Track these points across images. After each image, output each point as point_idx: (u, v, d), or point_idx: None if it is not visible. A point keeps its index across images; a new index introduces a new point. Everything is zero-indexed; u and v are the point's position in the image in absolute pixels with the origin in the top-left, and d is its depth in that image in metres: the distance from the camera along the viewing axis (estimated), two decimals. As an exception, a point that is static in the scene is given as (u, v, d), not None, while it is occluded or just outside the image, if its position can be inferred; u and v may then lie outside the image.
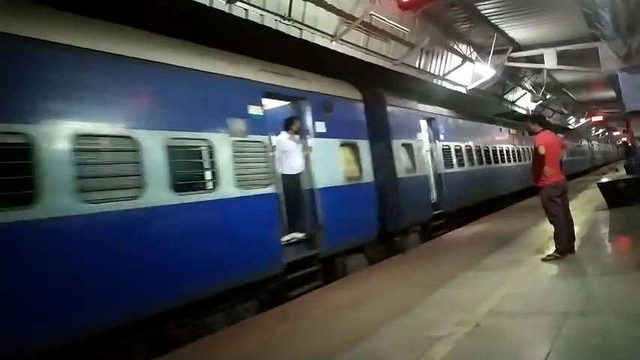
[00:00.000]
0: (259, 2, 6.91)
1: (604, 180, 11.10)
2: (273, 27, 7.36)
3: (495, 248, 6.63)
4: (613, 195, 9.49)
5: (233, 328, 4.46)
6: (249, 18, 6.93)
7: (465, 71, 13.67)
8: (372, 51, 9.84)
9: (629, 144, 15.55)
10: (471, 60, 13.25)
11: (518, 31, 12.51)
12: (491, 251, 6.45)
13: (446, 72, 12.94)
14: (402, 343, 3.45)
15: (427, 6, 9.12)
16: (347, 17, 8.48)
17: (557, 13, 11.06)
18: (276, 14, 7.23)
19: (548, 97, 19.34)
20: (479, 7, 10.54)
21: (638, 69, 11.94)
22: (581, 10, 10.76)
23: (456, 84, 13.73)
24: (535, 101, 19.50)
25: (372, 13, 8.64)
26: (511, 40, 13.18)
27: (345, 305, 4.72)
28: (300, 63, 7.10)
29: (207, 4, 6.33)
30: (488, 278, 5.00)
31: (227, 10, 6.58)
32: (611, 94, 20.29)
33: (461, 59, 13.07)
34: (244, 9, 6.80)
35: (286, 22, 7.47)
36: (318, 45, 8.39)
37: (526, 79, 17.53)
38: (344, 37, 8.75)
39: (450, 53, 12.66)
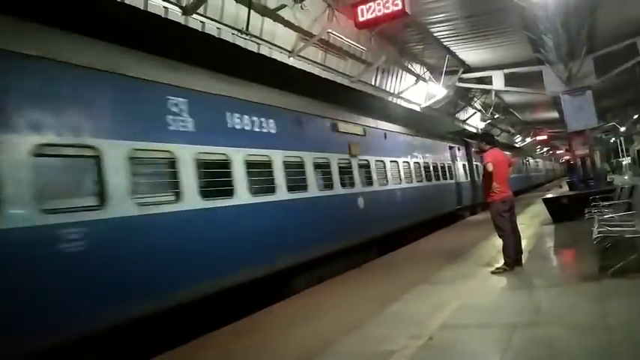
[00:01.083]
0: (216, 15, 6.87)
1: (549, 196, 11.66)
2: (230, 40, 7.33)
3: (448, 262, 6.77)
4: (557, 210, 9.97)
5: (186, 347, 4.29)
6: (206, 31, 6.89)
7: (419, 90, 14.09)
8: (329, 67, 9.97)
9: (572, 162, 16.43)
10: (424, 79, 13.68)
11: (468, 54, 13.06)
12: (443, 265, 6.58)
13: (401, 90, 13.28)
14: (356, 358, 3.42)
15: (383, 26, 9.35)
16: (305, 34, 8.57)
17: (505, 38, 11.64)
18: (233, 28, 7.20)
19: (496, 116, 20.23)
20: (432, 30, 10.93)
21: (579, 92, 12.76)
22: (526, 36, 11.37)
23: (410, 102, 14.11)
24: (484, 120, 20.35)
25: (330, 30, 8.79)
26: (462, 62, 13.74)
27: (301, 321, 4.65)
28: (259, 77, 7.12)
29: (163, 15, 6.24)
30: (440, 291, 5.08)
31: (183, 22, 6.50)
32: (555, 114, 21.57)
33: (415, 78, 13.46)
34: (201, 21, 6.74)
35: (244, 36, 7.46)
36: (276, 60, 8.43)
37: (476, 98, 18.28)
38: (301, 54, 8.83)
39: (404, 72, 13.02)
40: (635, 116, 20.58)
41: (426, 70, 13.72)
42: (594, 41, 12.06)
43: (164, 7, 6.19)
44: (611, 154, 35.96)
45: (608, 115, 23.90)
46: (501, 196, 5.67)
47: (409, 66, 13.05)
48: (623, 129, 27.39)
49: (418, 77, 13.49)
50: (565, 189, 16.15)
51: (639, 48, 12.08)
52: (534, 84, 13.94)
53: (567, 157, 30.55)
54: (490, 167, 5.59)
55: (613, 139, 32.47)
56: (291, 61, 8.79)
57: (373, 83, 11.93)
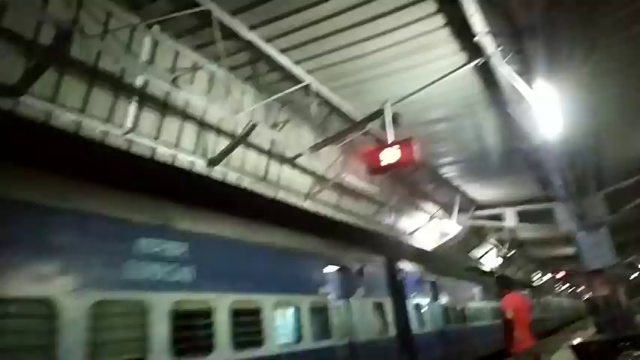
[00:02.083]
0: (237, 166, 7.26)
1: (576, 341, 10.76)
2: (249, 188, 7.65)
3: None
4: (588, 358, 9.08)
5: None
6: (227, 180, 7.24)
7: (432, 228, 14.16)
8: (343, 209, 10.20)
9: (594, 301, 15.61)
10: (436, 218, 13.83)
11: (478, 192, 13.40)
12: None
13: (414, 229, 13.36)
14: None
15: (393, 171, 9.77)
16: (319, 179, 8.96)
17: (512, 178, 12.03)
18: (253, 176, 7.57)
19: (512, 253, 19.94)
20: (440, 172, 11.39)
21: (594, 228, 12.67)
22: (534, 175, 11.75)
23: (423, 241, 14.08)
24: (500, 257, 20.02)
25: (344, 175, 9.19)
26: (472, 200, 14.03)
27: None
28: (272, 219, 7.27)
29: (188, 169, 6.62)
30: None
31: (205, 174, 6.86)
32: (572, 250, 21.17)
33: (427, 217, 13.63)
34: (222, 172, 7.11)
35: (263, 183, 7.80)
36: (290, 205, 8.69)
37: (490, 235, 18.23)
38: (317, 197, 9.12)
39: (417, 211, 13.24)
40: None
41: (438, 208, 13.96)
42: (603, 178, 12.36)
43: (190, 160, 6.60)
44: (633, 291, 34.29)
45: (627, 249, 23.39)
46: (524, 346, 5.30)
47: (422, 205, 13.32)
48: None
49: (431, 216, 13.66)
50: (590, 331, 15.03)
51: (647, 183, 12.34)
52: (548, 220, 13.95)
53: (589, 295, 29.16)
54: (510, 314, 5.34)
55: (634, 274, 31.33)
56: (307, 204, 9.04)
57: (386, 223, 12.07)
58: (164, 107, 5.76)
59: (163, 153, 6.10)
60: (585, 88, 6.21)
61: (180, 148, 6.29)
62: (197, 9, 4.94)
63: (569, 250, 21.92)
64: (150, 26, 5.02)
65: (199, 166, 6.73)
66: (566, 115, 6.49)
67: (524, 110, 6.67)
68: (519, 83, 5.64)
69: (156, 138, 5.86)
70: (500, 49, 5.36)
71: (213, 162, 6.83)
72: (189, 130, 6.27)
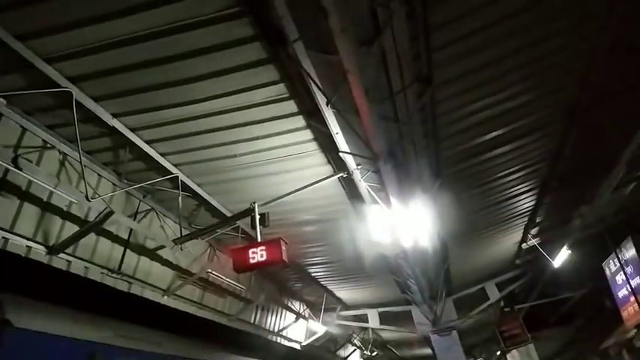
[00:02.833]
0: (86, 255, 6.56)
1: None
2: (99, 280, 6.88)
3: None
4: None
5: None
6: (71, 270, 6.44)
7: (300, 327, 13.94)
8: (206, 306, 9.62)
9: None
10: (304, 317, 13.71)
11: (344, 293, 13.71)
12: None
13: (281, 328, 13.02)
14: None
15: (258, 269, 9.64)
16: (183, 272, 8.44)
17: (375, 280, 12.59)
18: (103, 267, 6.85)
19: (375, 353, 20.29)
20: (309, 270, 11.52)
21: (446, 332, 13.60)
22: (395, 279, 12.45)
23: (290, 340, 13.73)
24: (363, 357, 20.23)
25: (209, 270, 8.79)
26: (339, 300, 14.28)
27: None
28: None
29: (24, 255, 5.79)
30: None
31: (46, 262, 6.06)
32: (429, 351, 22.30)
33: (295, 316, 13.45)
34: (67, 261, 6.35)
35: (114, 275, 7.08)
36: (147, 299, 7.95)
37: (355, 335, 18.46)
38: (178, 292, 8.51)
39: (284, 310, 13.01)
40: (498, 353, 22.15)
41: (305, 307, 13.91)
42: (452, 285, 13.59)
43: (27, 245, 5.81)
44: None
45: (475, 351, 25.39)
46: None
47: (289, 303, 13.16)
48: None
49: (298, 314, 13.51)
50: None
51: (488, 292, 13.87)
52: (406, 322, 14.66)
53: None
54: None
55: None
56: (165, 300, 8.35)
57: (252, 321, 11.61)
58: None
59: (-8, 236, 5.29)
60: (434, 206, 6.94)
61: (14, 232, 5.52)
62: (56, 89, 4.65)
63: (428, 351, 23.05)
64: (-7, 99, 4.57)
65: (38, 252, 5.93)
66: (418, 228, 7.14)
67: (383, 221, 7.19)
68: (375, 199, 6.13)
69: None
70: (359, 167, 5.84)
71: (55, 249, 6.08)
72: (29, 213, 5.57)
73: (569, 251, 11.23)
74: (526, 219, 10.85)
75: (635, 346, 12.18)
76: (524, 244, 12.15)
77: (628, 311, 12.22)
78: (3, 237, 5.45)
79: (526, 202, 9.90)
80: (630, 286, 11.61)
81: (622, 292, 12.42)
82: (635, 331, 12.02)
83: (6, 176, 5.11)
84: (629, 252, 11.37)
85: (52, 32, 4.19)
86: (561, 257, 11.47)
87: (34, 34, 4.22)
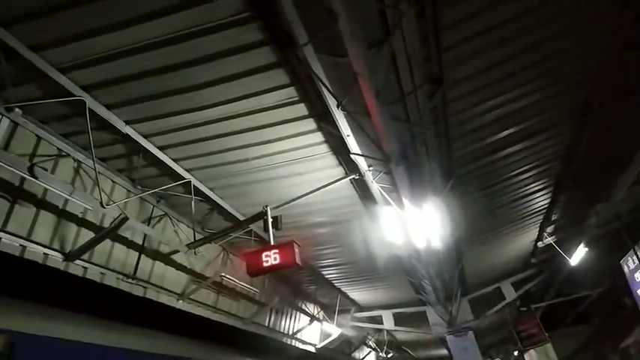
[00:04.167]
0: (102, 261, 6.63)
1: None
2: (114, 285, 6.95)
3: None
4: None
5: None
6: (87, 276, 6.52)
7: (314, 329, 13.93)
8: (221, 309, 9.66)
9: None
10: (318, 319, 13.69)
11: (358, 294, 13.68)
12: None
13: (295, 330, 13.02)
14: None
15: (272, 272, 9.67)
16: (197, 276, 8.49)
17: (389, 281, 12.53)
18: (119, 272, 6.93)
19: (390, 355, 20.19)
20: (323, 273, 11.51)
21: (462, 332, 13.49)
22: (409, 280, 12.38)
23: (305, 342, 13.72)
24: (378, 359, 20.14)
25: (223, 274, 8.83)
26: (353, 301, 14.24)
27: None
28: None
29: (41, 262, 5.88)
30: None
31: (63, 268, 6.14)
32: (445, 352, 22.15)
33: (309, 318, 13.44)
34: (83, 267, 6.43)
35: (129, 280, 7.15)
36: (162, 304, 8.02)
37: (370, 336, 18.40)
38: (192, 296, 8.56)
39: (299, 312, 13.02)
40: (515, 353, 21.90)
41: (319, 309, 13.90)
42: (467, 285, 13.47)
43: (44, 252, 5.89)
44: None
45: (491, 352, 25.12)
46: None
47: (303, 306, 13.17)
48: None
49: (312, 317, 13.51)
50: None
51: (503, 292, 13.72)
52: (422, 323, 14.57)
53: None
54: None
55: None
56: (180, 304, 8.41)
57: (267, 324, 11.63)
58: (16, 195, 5.18)
59: (10, 243, 5.38)
60: (446, 207, 6.89)
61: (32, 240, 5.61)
62: (70, 98, 4.71)
63: (443, 352, 22.89)
64: (9, 109, 4.65)
65: (55, 259, 6.01)
66: (431, 228, 7.10)
67: (396, 222, 7.16)
68: (388, 200, 6.10)
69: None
70: (371, 168, 5.82)
71: (71, 256, 6.16)
72: (45, 220, 5.65)
73: (586, 249, 11.06)
74: (541, 217, 10.72)
75: (655, 344, 11.93)
76: (540, 242, 12.00)
77: (648, 309, 11.98)
78: (21, 244, 5.55)
79: (541, 201, 9.77)
80: (650, 283, 11.40)
81: (641, 290, 12.18)
82: (655, 329, 11.78)
83: (22, 185, 5.20)
84: (648, 249, 11.16)
85: (64, 42, 4.26)
86: (578, 255, 11.30)
87: (47, 45, 4.29)
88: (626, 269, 12.98)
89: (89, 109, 4.83)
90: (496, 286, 13.81)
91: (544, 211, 10.35)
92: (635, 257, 11.97)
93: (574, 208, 10.17)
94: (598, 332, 18.10)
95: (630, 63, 5.81)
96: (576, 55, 5.69)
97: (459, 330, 13.47)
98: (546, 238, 11.68)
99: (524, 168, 8.05)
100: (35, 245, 5.66)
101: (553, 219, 10.86)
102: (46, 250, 5.89)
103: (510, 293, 13.75)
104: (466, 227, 8.92)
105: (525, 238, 11.91)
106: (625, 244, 12.07)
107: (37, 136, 5.25)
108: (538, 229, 11.38)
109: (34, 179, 4.74)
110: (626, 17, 5.15)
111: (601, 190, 8.53)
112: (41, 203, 5.52)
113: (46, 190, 5.40)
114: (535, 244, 12.30)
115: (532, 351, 17.18)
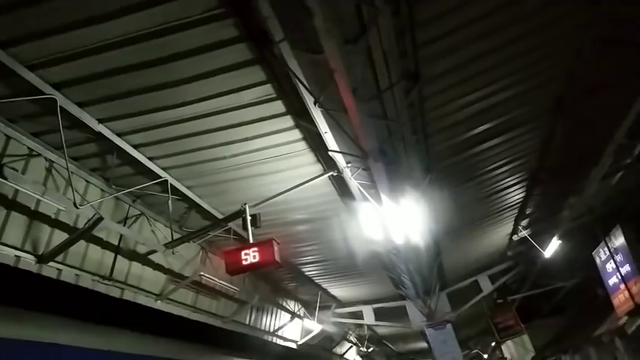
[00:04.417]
0: (77, 262, 6.48)
1: None
2: (90, 287, 6.81)
3: None
4: None
5: None
6: (62, 278, 6.37)
7: (295, 326, 13.94)
8: (200, 309, 9.57)
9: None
10: (299, 316, 13.70)
11: (339, 290, 13.73)
12: None
13: (276, 328, 13.00)
14: None
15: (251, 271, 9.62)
16: (175, 276, 8.38)
17: (370, 277, 12.62)
18: (94, 274, 6.79)
19: (371, 349, 20.36)
20: (303, 270, 11.51)
21: (441, 325, 13.68)
22: (389, 275, 12.48)
23: (286, 339, 13.72)
24: (359, 354, 20.29)
25: (202, 273, 8.74)
26: (334, 297, 14.29)
27: None
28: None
29: (12, 265, 5.71)
30: None
31: (36, 271, 5.98)
32: (425, 344, 22.44)
33: (290, 315, 13.44)
34: (57, 269, 6.27)
35: (106, 281, 7.01)
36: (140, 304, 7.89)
37: (350, 332, 18.51)
38: (171, 296, 8.45)
39: (279, 309, 13.00)
40: (493, 344, 22.36)
41: (300, 306, 13.90)
42: (446, 279, 13.66)
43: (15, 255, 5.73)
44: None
45: (470, 343, 25.59)
46: None
47: (284, 303, 13.15)
48: (486, 356, 29.16)
49: (293, 314, 13.50)
50: None
51: (481, 285, 13.97)
52: (402, 317, 14.71)
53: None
54: None
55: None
56: (158, 305, 8.30)
57: (247, 322, 11.58)
58: (-15, 196, 5.02)
59: (-21, 247, 5.21)
60: (424, 201, 6.96)
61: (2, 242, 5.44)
62: (41, 96, 4.58)
63: (423, 345, 23.19)
64: (-24, 109, 4.50)
65: (27, 261, 5.85)
66: (409, 224, 7.16)
67: (374, 219, 7.20)
68: (366, 196, 6.13)
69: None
70: (349, 165, 5.84)
71: (45, 258, 6.00)
72: (17, 222, 5.49)
73: (560, 241, 11.34)
74: (516, 211, 10.94)
75: (626, 332, 12.31)
76: (515, 235, 12.25)
77: (619, 299, 12.36)
78: (-10, 247, 5.39)
79: (516, 195, 9.97)
80: (620, 273, 11.75)
81: (612, 280, 12.57)
82: (626, 317, 12.15)
83: (-9, 186, 5.03)
84: (618, 240, 11.50)
85: (33, 38, 4.12)
86: (552, 248, 11.58)
87: (14, 41, 4.15)
88: (597, 260, 13.38)
89: (60, 107, 4.70)
90: (473, 280, 14.06)
91: (519, 205, 10.56)
92: (606, 249, 12.34)
93: (548, 202, 10.41)
94: (572, 322, 18.62)
95: (602, 58, 5.95)
96: (550, 51, 5.80)
97: (438, 323, 13.65)
98: (521, 231, 11.93)
99: (500, 162, 8.20)
100: (6, 248, 5.50)
101: (527, 212, 11.10)
102: (18, 253, 5.72)
103: (487, 286, 14.01)
104: (444, 222, 9.04)
105: (501, 232, 12.14)
106: (597, 236, 12.43)
107: (6, 135, 5.08)
108: (513, 222, 11.61)
109: (3, 180, 4.60)
110: (596, 13, 5.27)
111: (574, 184, 8.74)
112: (12, 204, 5.35)
113: (16, 191, 5.24)
114: (510, 238, 12.55)
115: (509, 342, 17.60)
